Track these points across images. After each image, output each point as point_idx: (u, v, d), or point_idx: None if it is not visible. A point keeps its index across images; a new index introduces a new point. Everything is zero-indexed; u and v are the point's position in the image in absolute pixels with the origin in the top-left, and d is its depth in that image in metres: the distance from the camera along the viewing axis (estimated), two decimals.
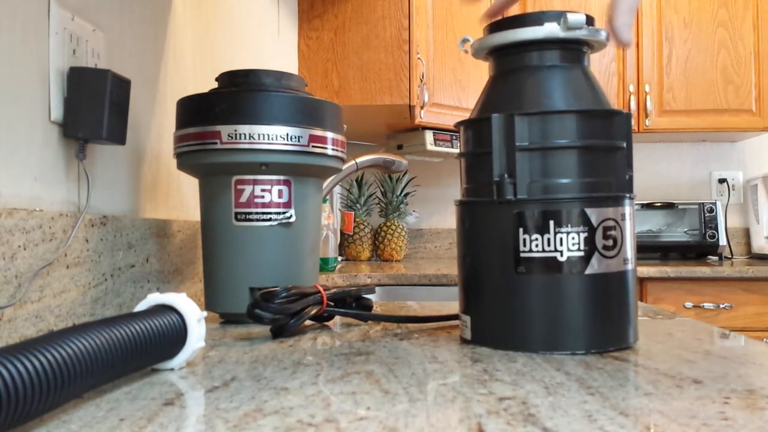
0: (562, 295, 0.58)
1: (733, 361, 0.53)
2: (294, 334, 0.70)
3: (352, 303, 0.76)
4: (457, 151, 0.72)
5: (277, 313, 0.67)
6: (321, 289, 0.72)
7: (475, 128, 0.63)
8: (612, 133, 0.61)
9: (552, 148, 0.59)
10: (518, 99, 0.62)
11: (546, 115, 0.60)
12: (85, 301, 0.72)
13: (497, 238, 0.60)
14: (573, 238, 0.58)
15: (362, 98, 2.22)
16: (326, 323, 0.77)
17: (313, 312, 0.70)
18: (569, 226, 0.58)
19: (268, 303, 0.66)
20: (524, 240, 0.59)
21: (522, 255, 0.59)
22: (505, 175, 0.60)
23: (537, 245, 0.58)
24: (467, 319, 0.64)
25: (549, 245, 0.58)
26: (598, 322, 0.58)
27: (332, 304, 0.73)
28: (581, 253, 0.58)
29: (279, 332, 0.68)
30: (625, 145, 0.61)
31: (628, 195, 0.61)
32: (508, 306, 0.60)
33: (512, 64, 0.64)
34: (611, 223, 0.59)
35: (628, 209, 0.61)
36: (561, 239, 0.58)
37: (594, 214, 0.58)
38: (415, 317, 0.76)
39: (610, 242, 0.59)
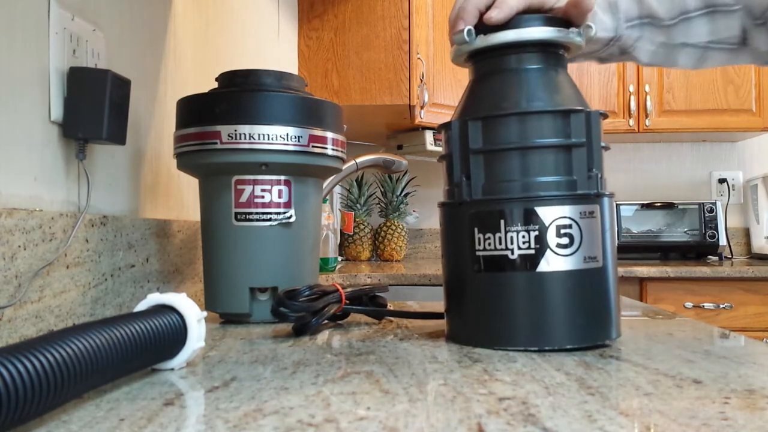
0: (513, 293, 0.59)
1: (733, 361, 0.53)
2: (316, 332, 0.70)
3: (367, 301, 0.77)
4: None
5: (301, 311, 0.68)
6: (339, 287, 0.73)
7: (444, 133, 0.65)
8: (567, 132, 0.60)
9: (500, 149, 0.61)
10: (485, 103, 0.63)
11: (494, 119, 0.61)
12: (85, 301, 0.72)
13: (459, 238, 0.63)
14: (523, 237, 0.59)
15: (362, 98, 2.22)
16: (340, 322, 0.78)
17: (333, 310, 0.71)
18: (519, 224, 0.59)
19: (292, 301, 0.68)
20: (479, 239, 0.61)
21: (477, 254, 0.61)
22: (463, 177, 0.62)
23: (490, 244, 0.60)
24: (446, 316, 0.66)
25: (500, 244, 0.60)
26: (553, 319, 0.58)
27: (349, 302, 0.75)
28: (532, 252, 0.58)
29: (301, 330, 0.69)
30: (585, 143, 0.60)
31: (593, 193, 0.60)
32: (467, 304, 0.62)
33: (485, 69, 0.65)
34: (566, 221, 0.59)
35: (594, 207, 0.60)
36: (511, 238, 0.59)
37: (545, 213, 0.59)
38: (430, 313, 0.77)
39: (565, 240, 0.58)
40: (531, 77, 0.62)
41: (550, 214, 0.58)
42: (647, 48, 0.73)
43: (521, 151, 0.60)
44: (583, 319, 0.59)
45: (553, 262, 0.58)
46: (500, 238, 0.59)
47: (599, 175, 0.61)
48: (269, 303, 0.80)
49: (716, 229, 2.64)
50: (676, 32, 0.73)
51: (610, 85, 2.66)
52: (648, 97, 2.63)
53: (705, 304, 2.25)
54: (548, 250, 0.58)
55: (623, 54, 0.75)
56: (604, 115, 0.63)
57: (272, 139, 0.77)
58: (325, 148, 0.81)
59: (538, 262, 0.58)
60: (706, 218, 2.66)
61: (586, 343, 0.59)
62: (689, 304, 2.26)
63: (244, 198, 0.79)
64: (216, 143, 0.77)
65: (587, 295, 0.59)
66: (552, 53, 0.63)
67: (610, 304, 0.60)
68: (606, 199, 0.61)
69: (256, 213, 0.79)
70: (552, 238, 0.58)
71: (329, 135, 0.82)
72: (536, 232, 0.58)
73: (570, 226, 0.59)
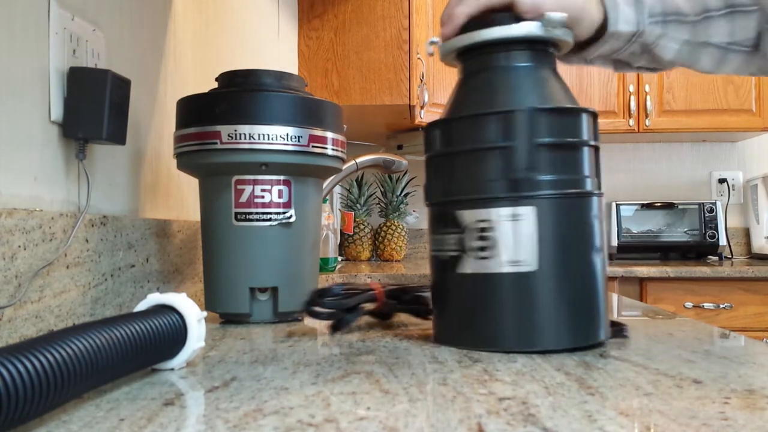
0: (445, 294, 0.62)
1: (733, 361, 0.53)
2: (351, 328, 0.73)
3: (409, 300, 0.78)
4: None
5: (333, 308, 0.70)
6: (378, 286, 0.75)
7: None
8: (503, 134, 0.58)
9: (452, 153, 0.62)
10: (457, 103, 0.64)
11: (453, 122, 0.62)
12: (85, 301, 0.72)
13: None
14: (450, 239, 0.61)
15: (362, 98, 2.22)
16: (386, 320, 0.79)
17: (369, 307, 0.73)
18: (446, 227, 0.61)
19: (324, 299, 0.70)
20: (431, 240, 0.64)
21: (432, 254, 0.64)
22: (433, 179, 0.65)
23: (434, 246, 0.63)
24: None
25: (437, 245, 0.63)
26: (475, 322, 0.59)
27: (391, 300, 0.76)
28: (455, 254, 0.60)
29: (339, 326, 0.71)
30: (515, 145, 0.58)
31: (523, 195, 0.57)
32: (436, 302, 0.65)
33: (468, 68, 0.65)
34: (485, 224, 0.59)
35: (520, 209, 0.57)
36: (443, 240, 0.62)
37: (466, 216, 0.60)
38: None
39: (484, 243, 0.59)
40: (517, 76, 0.62)
41: (471, 217, 0.59)
42: (671, 46, 0.71)
43: (464, 154, 0.61)
44: (507, 322, 0.58)
45: (473, 265, 0.59)
46: (437, 239, 0.63)
47: (535, 176, 0.57)
48: (269, 303, 0.80)
49: (716, 229, 2.64)
50: (699, 30, 0.71)
51: (610, 85, 2.66)
52: (648, 97, 2.63)
53: (705, 304, 2.25)
54: (467, 253, 0.59)
55: (645, 52, 0.72)
56: (582, 111, 0.60)
57: (272, 139, 0.77)
58: (325, 148, 0.81)
59: (460, 265, 0.60)
60: (706, 218, 2.66)
61: (523, 347, 0.57)
62: (689, 304, 2.26)
63: (244, 198, 0.79)
64: (216, 143, 0.77)
65: (513, 301, 0.58)
66: (542, 50, 0.63)
67: (545, 311, 0.57)
68: (544, 201, 0.57)
69: (256, 213, 0.79)
70: (472, 241, 0.59)
71: (329, 135, 0.82)
72: (458, 235, 0.60)
73: (489, 229, 0.58)
